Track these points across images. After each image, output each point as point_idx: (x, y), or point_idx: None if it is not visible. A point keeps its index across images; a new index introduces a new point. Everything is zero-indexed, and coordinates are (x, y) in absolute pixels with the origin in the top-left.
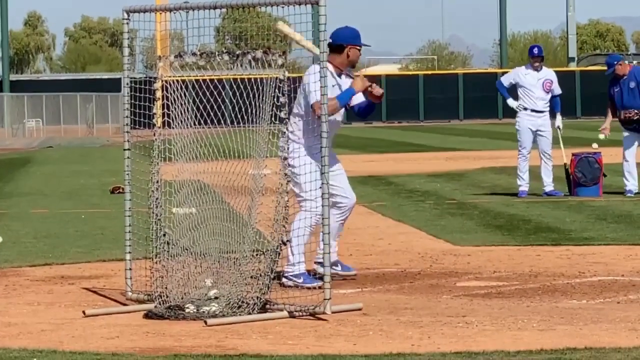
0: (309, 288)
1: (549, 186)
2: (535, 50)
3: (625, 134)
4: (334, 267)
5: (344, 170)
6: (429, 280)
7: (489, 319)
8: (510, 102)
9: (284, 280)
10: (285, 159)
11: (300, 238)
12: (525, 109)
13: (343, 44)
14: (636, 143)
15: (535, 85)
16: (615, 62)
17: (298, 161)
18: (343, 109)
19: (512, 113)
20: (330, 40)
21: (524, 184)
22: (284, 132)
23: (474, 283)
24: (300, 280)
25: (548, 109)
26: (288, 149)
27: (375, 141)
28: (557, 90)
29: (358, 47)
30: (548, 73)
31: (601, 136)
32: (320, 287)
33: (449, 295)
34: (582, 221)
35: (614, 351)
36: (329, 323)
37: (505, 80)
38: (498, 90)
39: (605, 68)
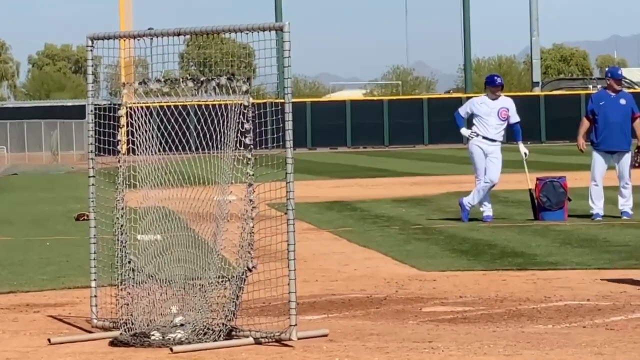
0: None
1: (487, 211)
2: (499, 80)
3: (596, 155)
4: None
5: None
6: (395, 306)
7: (455, 345)
8: (463, 130)
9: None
10: (251, 185)
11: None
12: (478, 135)
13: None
14: (606, 166)
15: (490, 114)
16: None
17: None
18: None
19: None
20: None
21: (487, 209)
22: (249, 159)
23: (440, 308)
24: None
25: (501, 139)
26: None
27: (341, 166)
28: (515, 118)
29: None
30: (505, 101)
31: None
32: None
33: (415, 321)
34: (548, 245)
35: None
36: (295, 349)
37: (462, 111)
38: (455, 120)
39: (568, 92)
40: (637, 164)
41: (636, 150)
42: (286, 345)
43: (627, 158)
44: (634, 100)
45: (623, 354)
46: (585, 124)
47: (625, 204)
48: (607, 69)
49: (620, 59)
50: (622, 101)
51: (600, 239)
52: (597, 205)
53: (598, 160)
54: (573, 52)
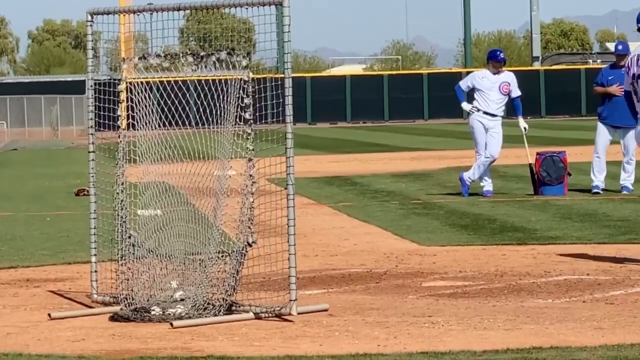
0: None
1: (487, 186)
2: (502, 55)
3: (601, 127)
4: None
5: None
6: (394, 281)
7: (455, 319)
8: (464, 105)
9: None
10: (251, 160)
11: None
12: (479, 110)
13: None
14: (610, 139)
15: (491, 89)
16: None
17: None
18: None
19: None
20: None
21: (487, 184)
22: (249, 134)
23: (440, 283)
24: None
25: (502, 114)
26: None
27: (340, 142)
28: (516, 92)
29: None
30: (506, 75)
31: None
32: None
33: (414, 296)
34: (548, 220)
35: (579, 350)
36: (295, 324)
37: (463, 85)
38: (455, 93)
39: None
40: None
41: None
42: (286, 320)
43: (632, 134)
44: None
45: (622, 328)
46: (596, 91)
47: (627, 179)
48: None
49: (620, 33)
50: None
51: (600, 213)
52: (598, 178)
53: (602, 133)
54: (573, 26)
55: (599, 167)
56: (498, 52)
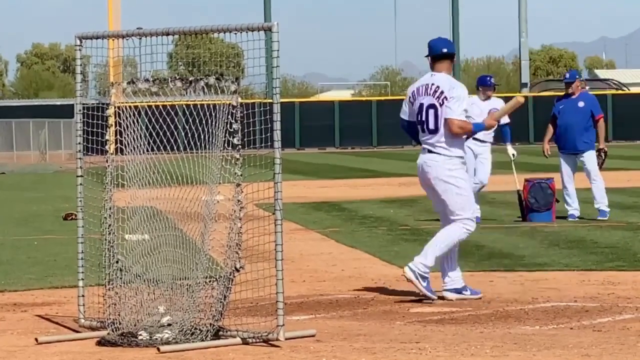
0: (476, 299)
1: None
2: (492, 81)
3: (560, 156)
4: (463, 291)
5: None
6: (382, 307)
7: (443, 345)
8: None
9: (448, 294)
10: (239, 185)
11: (444, 248)
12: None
13: (454, 53)
14: (572, 166)
15: (480, 115)
16: (577, 78)
17: (462, 181)
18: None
19: None
20: (446, 50)
21: (475, 210)
22: (238, 159)
23: (427, 309)
24: (469, 293)
25: (491, 140)
26: (449, 168)
27: (329, 167)
28: (504, 120)
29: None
30: (495, 102)
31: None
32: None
33: (402, 322)
34: (535, 247)
35: None
36: (282, 350)
37: None
38: None
39: (557, 93)
40: (598, 166)
41: (597, 152)
42: (274, 345)
43: (587, 155)
44: (598, 102)
45: (610, 356)
46: (549, 129)
47: (599, 202)
48: None
49: (609, 60)
50: (581, 103)
51: (588, 240)
52: (572, 207)
53: (562, 162)
54: (562, 53)
55: (569, 196)
56: (488, 78)
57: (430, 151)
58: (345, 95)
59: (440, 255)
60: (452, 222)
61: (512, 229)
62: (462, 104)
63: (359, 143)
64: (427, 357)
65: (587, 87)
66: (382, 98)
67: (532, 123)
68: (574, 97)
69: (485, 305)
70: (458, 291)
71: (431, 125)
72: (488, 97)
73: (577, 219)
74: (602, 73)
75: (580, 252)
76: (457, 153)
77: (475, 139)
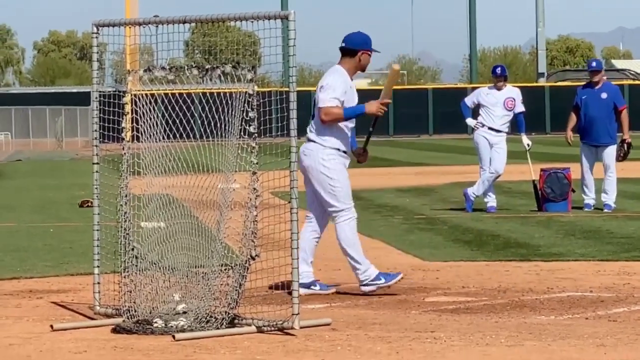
0: (391, 285)
1: (491, 202)
2: (498, 71)
3: (581, 148)
4: (312, 286)
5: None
6: (397, 296)
7: (458, 335)
8: (469, 121)
9: (365, 289)
10: (255, 173)
11: (355, 245)
12: (484, 125)
13: (356, 49)
14: (593, 157)
15: (496, 105)
16: (601, 68)
17: (335, 172)
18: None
19: None
20: (344, 44)
21: (491, 200)
22: (254, 147)
23: (443, 298)
24: (382, 281)
25: (506, 130)
26: (322, 158)
27: None
28: (520, 108)
29: (369, 53)
30: (511, 91)
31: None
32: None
33: (417, 311)
34: (551, 237)
35: None
36: (297, 338)
37: (469, 101)
38: (461, 110)
39: (574, 83)
40: (620, 157)
41: (620, 143)
42: (288, 333)
43: (608, 151)
44: (620, 93)
45: (625, 346)
46: (572, 117)
47: (608, 197)
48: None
49: (626, 50)
50: (604, 95)
51: (603, 230)
52: (589, 196)
53: (583, 153)
54: (579, 43)
55: (587, 186)
56: (495, 68)
57: (308, 139)
58: (362, 84)
59: (357, 254)
60: (326, 221)
61: (528, 219)
62: (332, 92)
63: (375, 132)
64: (442, 347)
65: (604, 78)
66: (399, 87)
67: (548, 113)
68: (597, 87)
69: (500, 294)
70: (306, 286)
71: (312, 116)
72: (503, 87)
73: (592, 209)
74: (618, 63)
75: (596, 242)
76: (331, 143)
77: (491, 129)
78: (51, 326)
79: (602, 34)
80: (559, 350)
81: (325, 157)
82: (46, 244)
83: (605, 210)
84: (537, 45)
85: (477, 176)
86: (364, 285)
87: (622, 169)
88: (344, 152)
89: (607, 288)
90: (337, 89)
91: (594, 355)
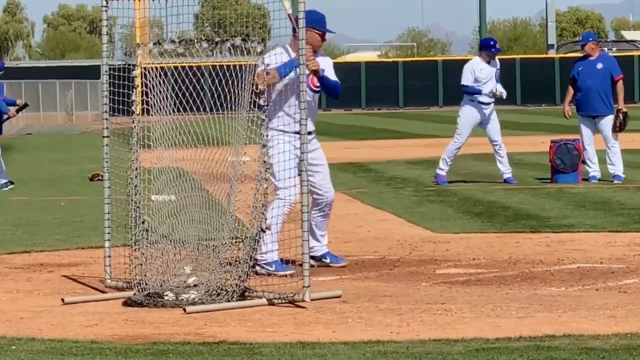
0: (280, 276)
1: (506, 174)
2: (498, 46)
3: (580, 119)
4: (323, 259)
5: (326, 162)
6: (408, 268)
7: (468, 306)
8: (484, 93)
9: (257, 268)
10: (264, 146)
11: (274, 227)
12: (497, 91)
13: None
14: (592, 128)
15: (488, 78)
16: (590, 40)
17: (273, 149)
18: (312, 92)
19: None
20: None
21: (506, 172)
22: (264, 120)
23: (453, 270)
24: (273, 268)
25: (492, 100)
26: (267, 136)
27: (355, 128)
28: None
29: (318, 32)
30: (497, 63)
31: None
32: (292, 275)
33: (428, 283)
34: (561, 208)
35: (592, 338)
36: (307, 310)
37: (468, 81)
38: (469, 92)
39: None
40: (617, 128)
41: (615, 113)
42: (299, 306)
43: (605, 121)
44: (617, 63)
45: (635, 317)
46: (569, 90)
47: (614, 168)
48: None
49: (636, 21)
50: (599, 65)
51: (614, 201)
52: (592, 168)
53: (582, 124)
54: (588, 14)
55: (589, 158)
56: (495, 44)
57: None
58: (372, 56)
59: (271, 237)
60: (319, 195)
61: (538, 190)
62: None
63: (385, 104)
64: (452, 319)
65: (614, 49)
66: (409, 59)
67: (558, 85)
68: (592, 58)
69: (511, 266)
70: (318, 259)
71: None
72: (490, 60)
73: (597, 181)
74: (628, 34)
75: (607, 214)
76: (271, 124)
77: (480, 102)
78: (62, 299)
79: (611, 5)
80: (570, 321)
81: (268, 137)
82: (57, 218)
83: (615, 182)
84: (546, 17)
85: (489, 147)
86: (257, 264)
87: (632, 140)
88: (295, 132)
89: (617, 259)
90: (270, 57)
91: (605, 327)
